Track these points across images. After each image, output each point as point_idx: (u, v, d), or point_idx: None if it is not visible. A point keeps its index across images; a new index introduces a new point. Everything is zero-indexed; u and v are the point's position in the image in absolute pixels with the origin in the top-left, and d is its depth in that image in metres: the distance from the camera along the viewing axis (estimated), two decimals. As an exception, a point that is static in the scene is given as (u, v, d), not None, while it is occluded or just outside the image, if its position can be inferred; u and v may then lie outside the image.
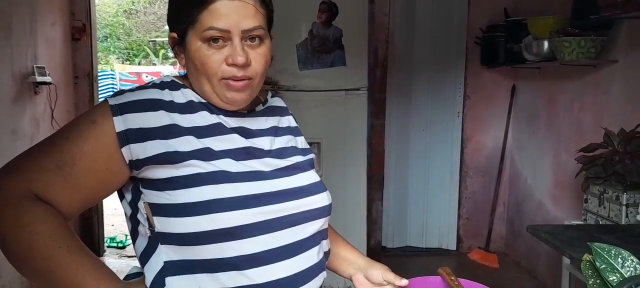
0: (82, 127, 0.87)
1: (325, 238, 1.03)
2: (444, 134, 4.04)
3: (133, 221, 0.93)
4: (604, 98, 2.84)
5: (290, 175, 0.96)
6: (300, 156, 1.02)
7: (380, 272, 1.05)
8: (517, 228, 3.88)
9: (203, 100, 0.94)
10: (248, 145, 0.94)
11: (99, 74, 4.33)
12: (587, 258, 0.91)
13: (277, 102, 1.11)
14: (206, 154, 0.89)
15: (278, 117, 1.06)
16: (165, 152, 0.87)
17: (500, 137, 3.99)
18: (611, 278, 0.84)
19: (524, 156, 3.81)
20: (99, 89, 4.02)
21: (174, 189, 0.86)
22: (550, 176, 3.42)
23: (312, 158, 1.05)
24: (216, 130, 0.92)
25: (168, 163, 0.87)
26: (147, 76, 10.11)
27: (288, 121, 1.09)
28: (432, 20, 3.91)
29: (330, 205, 1.01)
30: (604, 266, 0.86)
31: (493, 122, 4.02)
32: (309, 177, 0.99)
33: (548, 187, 3.44)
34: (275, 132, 1.02)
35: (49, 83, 3.22)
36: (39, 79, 3.11)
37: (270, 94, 1.12)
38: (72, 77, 3.73)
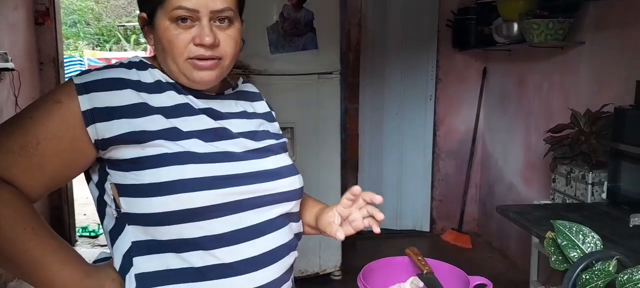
0: (46, 106, 0.86)
1: (296, 221, 1.02)
2: (416, 117, 4.06)
3: (100, 203, 0.92)
4: (572, 79, 2.89)
5: (261, 158, 0.96)
6: (272, 139, 1.02)
7: (346, 201, 0.97)
8: (489, 209, 3.95)
9: (171, 81, 0.93)
10: (217, 126, 0.94)
11: (66, 59, 4.21)
12: (550, 236, 0.92)
13: (249, 87, 1.11)
14: (173, 134, 0.88)
15: (249, 102, 1.06)
16: (131, 132, 0.86)
17: (472, 120, 4.03)
18: (572, 254, 0.86)
19: (495, 138, 3.87)
20: (66, 75, 3.91)
21: (140, 169, 0.86)
22: (520, 157, 3.48)
23: (284, 142, 1.05)
24: (184, 110, 0.92)
25: (134, 142, 0.86)
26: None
27: (261, 106, 1.08)
28: (404, 3, 3.91)
29: (300, 189, 1.01)
30: (565, 243, 0.88)
31: (465, 104, 4.06)
32: (281, 160, 0.99)
33: (518, 168, 3.50)
34: (246, 116, 1.02)
35: (12, 69, 3.12)
36: (1, 65, 3.00)
37: (241, 79, 1.11)
38: (37, 63, 3.62)
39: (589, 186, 2.24)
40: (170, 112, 0.90)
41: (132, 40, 13.01)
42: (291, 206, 0.99)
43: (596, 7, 2.66)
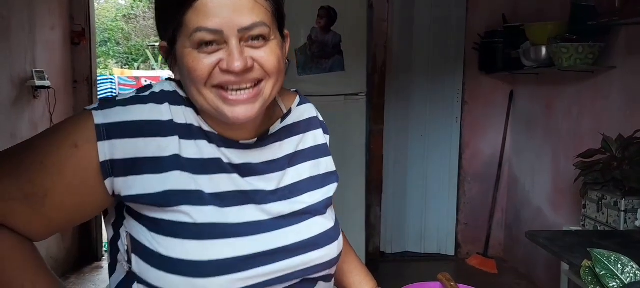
0: (61, 151, 0.73)
1: (327, 282, 0.90)
2: (442, 139, 4.04)
3: (113, 245, 0.82)
4: (603, 104, 2.85)
5: (294, 224, 0.83)
6: (314, 192, 0.88)
7: None
8: (515, 234, 3.88)
9: (205, 128, 0.80)
10: (248, 188, 0.80)
11: (98, 78, 4.33)
12: (587, 264, 0.91)
13: (304, 111, 0.94)
14: (196, 198, 0.76)
15: (300, 136, 0.90)
16: (150, 194, 0.75)
17: (499, 143, 3.99)
18: (611, 285, 0.85)
19: (522, 162, 3.82)
20: (98, 93, 4.02)
21: (158, 233, 0.76)
22: (548, 182, 3.42)
23: (330, 198, 0.91)
24: (213, 167, 0.79)
25: (152, 204, 0.75)
26: (146, 80, 10.09)
27: (314, 137, 0.92)
28: (430, 26, 3.92)
29: (338, 256, 0.88)
30: (603, 272, 0.86)
31: (491, 127, 4.03)
32: (319, 225, 0.85)
33: (547, 192, 3.44)
34: (290, 160, 0.87)
35: (48, 87, 3.22)
36: (38, 83, 3.11)
37: (297, 100, 0.94)
38: (71, 82, 3.73)
39: (622, 213, 2.20)
40: (197, 167, 0.77)
41: (160, 59, 13.30)
42: (325, 273, 0.86)
43: (628, 31, 2.63)
